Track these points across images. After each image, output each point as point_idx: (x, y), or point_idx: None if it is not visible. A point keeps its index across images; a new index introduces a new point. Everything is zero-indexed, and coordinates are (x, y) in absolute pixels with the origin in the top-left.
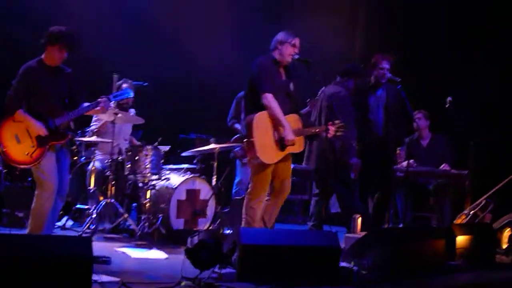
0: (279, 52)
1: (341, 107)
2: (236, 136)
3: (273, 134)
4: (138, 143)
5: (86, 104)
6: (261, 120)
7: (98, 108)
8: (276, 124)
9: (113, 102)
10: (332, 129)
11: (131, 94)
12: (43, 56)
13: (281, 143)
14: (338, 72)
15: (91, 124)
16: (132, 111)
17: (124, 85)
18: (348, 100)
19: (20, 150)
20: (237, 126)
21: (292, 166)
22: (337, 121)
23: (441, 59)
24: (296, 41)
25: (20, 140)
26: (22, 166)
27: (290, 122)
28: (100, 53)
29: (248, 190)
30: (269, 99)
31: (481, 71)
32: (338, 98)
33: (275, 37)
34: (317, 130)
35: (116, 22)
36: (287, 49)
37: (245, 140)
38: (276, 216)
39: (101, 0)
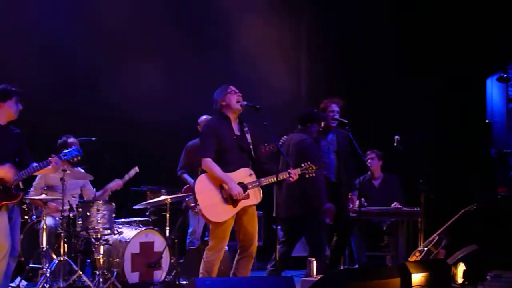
0: (227, 106)
1: (309, 154)
2: (186, 186)
3: (220, 192)
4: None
5: (35, 164)
6: (202, 182)
7: (49, 167)
8: (220, 184)
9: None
10: (294, 172)
11: (81, 152)
12: None
13: (232, 199)
14: (297, 120)
15: (34, 183)
16: (79, 168)
17: (70, 140)
18: (314, 146)
19: None
20: (186, 176)
21: None
22: (304, 164)
23: (388, 98)
24: (233, 87)
25: None
26: None
27: (240, 177)
28: (42, 113)
29: (208, 245)
30: (207, 164)
31: (429, 109)
32: (306, 146)
33: (213, 98)
34: (278, 179)
35: (58, 81)
36: (231, 98)
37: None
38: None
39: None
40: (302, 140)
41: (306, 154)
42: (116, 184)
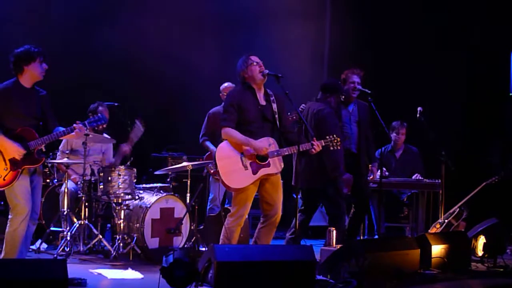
0: (250, 78)
1: (327, 124)
2: (208, 153)
3: (240, 159)
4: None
5: (61, 129)
6: (222, 149)
7: (72, 133)
8: (242, 148)
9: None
10: (317, 144)
11: (106, 120)
12: (18, 78)
13: (253, 165)
14: (320, 88)
15: (60, 146)
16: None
17: (100, 108)
18: (333, 116)
19: None
20: (208, 143)
21: None
22: (329, 136)
23: (411, 69)
24: (254, 58)
25: None
26: None
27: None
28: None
29: (230, 212)
30: (227, 131)
31: (451, 82)
32: (324, 115)
33: (236, 69)
34: (301, 150)
35: (85, 48)
36: (254, 70)
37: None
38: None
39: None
40: (321, 110)
41: (324, 124)
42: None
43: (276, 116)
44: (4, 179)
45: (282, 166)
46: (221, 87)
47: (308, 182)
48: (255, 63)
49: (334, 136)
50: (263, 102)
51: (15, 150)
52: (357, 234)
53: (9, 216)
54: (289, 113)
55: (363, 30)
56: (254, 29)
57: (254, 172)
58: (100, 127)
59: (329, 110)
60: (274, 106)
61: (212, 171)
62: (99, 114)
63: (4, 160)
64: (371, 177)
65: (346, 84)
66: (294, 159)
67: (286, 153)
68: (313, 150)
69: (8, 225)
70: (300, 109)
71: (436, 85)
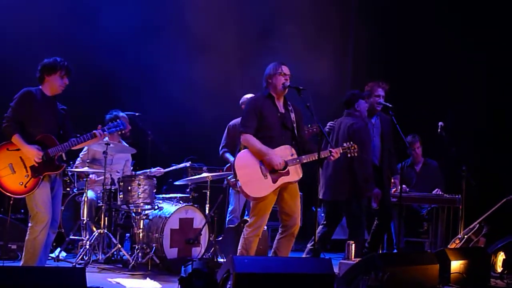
0: (272, 86)
1: (362, 136)
2: (228, 165)
3: (259, 167)
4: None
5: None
6: (242, 157)
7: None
8: (260, 157)
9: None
10: (335, 151)
11: (126, 126)
12: (41, 86)
13: (273, 173)
14: (343, 105)
15: (80, 154)
16: (123, 142)
17: (119, 115)
18: (366, 129)
19: (14, 180)
20: (228, 155)
21: None
22: (346, 143)
23: (434, 83)
24: (284, 69)
25: (14, 170)
26: (15, 196)
27: (281, 155)
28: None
29: (248, 222)
30: (246, 138)
31: (472, 95)
32: (359, 128)
33: (264, 73)
34: (319, 157)
35: (107, 57)
36: (278, 80)
37: (233, 180)
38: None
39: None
40: (354, 123)
41: (359, 135)
42: (157, 171)
43: (294, 125)
44: (25, 186)
45: (301, 174)
46: (241, 100)
47: (332, 194)
48: (282, 74)
49: (351, 143)
50: (282, 110)
51: (33, 153)
52: (379, 247)
53: (29, 224)
54: (309, 125)
55: (387, 43)
56: (277, 45)
57: (274, 181)
58: (119, 132)
59: (361, 124)
60: (293, 115)
61: (232, 181)
62: (118, 121)
63: (25, 167)
64: (394, 190)
65: (371, 97)
66: (321, 172)
67: (305, 160)
68: (331, 157)
69: (28, 233)
70: (328, 126)
71: (457, 99)
